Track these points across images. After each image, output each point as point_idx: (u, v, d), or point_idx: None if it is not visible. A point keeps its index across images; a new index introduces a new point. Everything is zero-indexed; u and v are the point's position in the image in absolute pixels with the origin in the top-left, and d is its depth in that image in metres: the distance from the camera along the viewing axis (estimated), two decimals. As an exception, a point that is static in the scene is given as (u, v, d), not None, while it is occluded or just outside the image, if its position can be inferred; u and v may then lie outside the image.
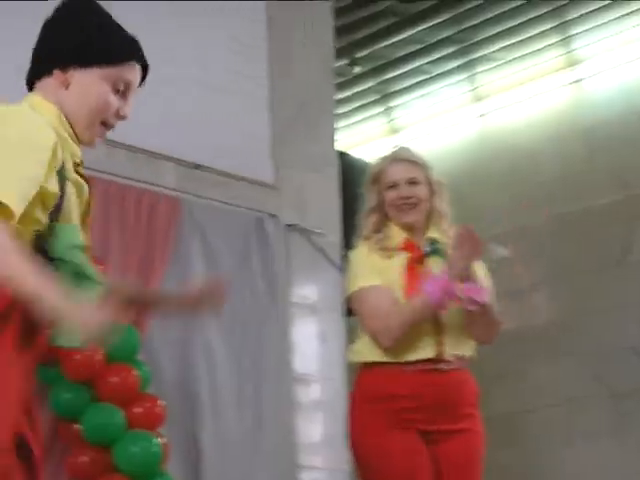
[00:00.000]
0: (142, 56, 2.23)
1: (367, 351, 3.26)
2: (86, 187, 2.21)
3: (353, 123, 8.32)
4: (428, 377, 3.17)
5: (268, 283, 5.50)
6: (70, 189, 2.12)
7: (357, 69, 7.78)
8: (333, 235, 5.89)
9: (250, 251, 5.48)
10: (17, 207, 1.96)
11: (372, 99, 8.22)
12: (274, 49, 5.90)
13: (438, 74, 7.85)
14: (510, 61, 7.61)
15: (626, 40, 7.24)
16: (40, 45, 2.21)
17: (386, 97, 8.19)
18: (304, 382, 5.64)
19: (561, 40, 7.40)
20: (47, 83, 2.18)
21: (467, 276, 3.15)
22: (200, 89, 5.45)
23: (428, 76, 7.87)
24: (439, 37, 7.46)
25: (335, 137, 6.27)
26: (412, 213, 3.31)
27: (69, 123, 2.16)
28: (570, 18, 7.23)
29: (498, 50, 7.54)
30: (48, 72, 2.17)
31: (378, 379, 3.21)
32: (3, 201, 1.94)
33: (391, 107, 8.26)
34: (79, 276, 2.07)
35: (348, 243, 4.04)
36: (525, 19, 7.23)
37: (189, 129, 5.36)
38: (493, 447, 3.34)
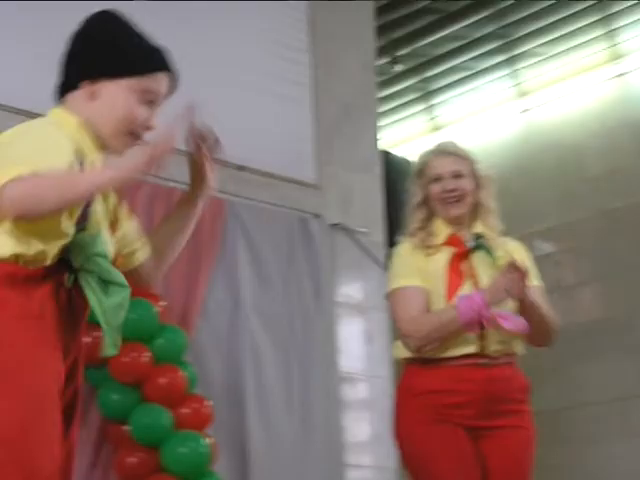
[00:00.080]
0: (169, 65, 2.24)
1: None
2: (112, 196, 2.23)
3: (395, 121, 8.30)
4: (470, 372, 3.15)
5: (313, 283, 5.50)
6: (97, 198, 2.14)
7: (398, 67, 7.76)
8: (377, 234, 5.88)
9: (295, 251, 5.49)
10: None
11: (414, 97, 8.19)
12: (316, 50, 5.90)
13: (480, 70, 7.81)
14: (553, 56, 7.55)
15: (671, 32, 7.16)
16: (68, 58, 2.23)
17: (428, 95, 8.16)
18: (350, 381, 5.64)
19: (605, 34, 7.33)
20: (75, 95, 2.20)
21: (504, 303, 3.13)
22: (243, 91, 5.46)
23: (470, 73, 7.84)
24: (481, 33, 7.42)
25: (378, 136, 6.26)
26: (457, 206, 3.28)
27: (97, 134, 2.18)
28: (614, 11, 7.16)
29: (541, 45, 7.48)
30: (76, 84, 2.20)
31: (421, 375, 3.20)
32: (15, 174, 1.95)
33: (433, 105, 8.24)
34: (105, 283, 2.08)
35: (392, 241, 4.04)
36: (568, 13, 7.17)
37: (233, 131, 5.37)
38: (539, 444, 3.31)
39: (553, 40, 7.41)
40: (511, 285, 3.08)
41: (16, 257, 2.03)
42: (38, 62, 4.62)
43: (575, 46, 7.43)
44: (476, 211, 3.32)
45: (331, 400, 5.43)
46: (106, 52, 2.18)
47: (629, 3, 7.06)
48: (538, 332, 3.22)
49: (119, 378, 4.39)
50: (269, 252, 5.37)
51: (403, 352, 3.28)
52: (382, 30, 6.84)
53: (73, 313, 2.12)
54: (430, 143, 3.48)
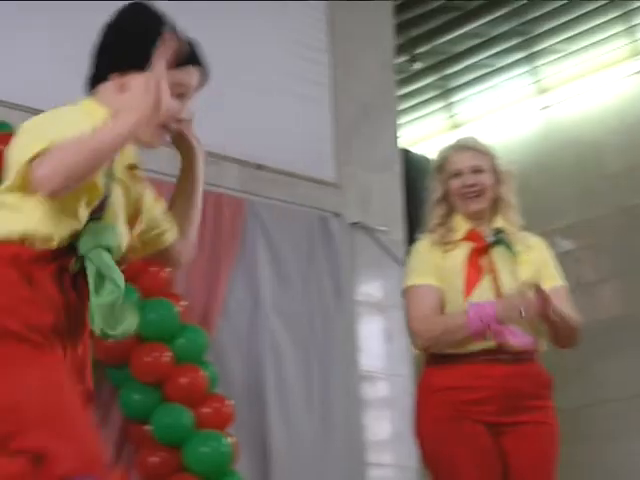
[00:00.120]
0: (200, 59, 2.25)
1: None
2: (135, 189, 2.24)
3: (414, 119, 8.29)
4: (489, 369, 3.13)
5: (333, 282, 5.51)
6: (117, 190, 2.16)
7: (417, 65, 7.75)
8: (397, 232, 5.88)
9: (315, 250, 5.50)
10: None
11: (433, 95, 8.18)
12: (335, 49, 5.91)
13: (500, 68, 7.79)
14: (573, 52, 7.52)
15: (692, 27, 7.12)
16: (99, 50, 2.24)
17: (447, 92, 8.15)
18: (371, 379, 5.65)
19: (624, 30, 7.30)
20: (105, 87, 2.22)
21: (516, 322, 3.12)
22: (262, 90, 5.47)
23: (490, 70, 7.82)
24: (500, 30, 7.40)
25: (397, 134, 6.26)
26: (476, 201, 3.26)
27: None
28: (634, 7, 7.12)
29: (560, 42, 7.46)
30: (106, 76, 2.21)
31: (440, 371, 3.19)
32: (38, 149, 1.99)
33: (453, 102, 8.22)
34: (100, 277, 2.08)
35: (412, 240, 4.04)
36: (587, 9, 7.14)
37: (252, 130, 5.40)
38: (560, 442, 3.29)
39: (572, 37, 7.39)
40: (527, 307, 3.07)
41: (23, 238, 2.05)
42: (56, 62, 4.65)
43: (595, 43, 7.40)
44: (496, 206, 3.30)
45: (351, 399, 5.43)
46: (137, 44, 2.19)
47: (649, -1, 7.04)
48: (562, 336, 3.20)
49: (140, 378, 4.40)
50: (289, 251, 5.38)
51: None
52: (401, 28, 6.83)
53: (80, 298, 2.12)
54: (450, 141, 3.47)
